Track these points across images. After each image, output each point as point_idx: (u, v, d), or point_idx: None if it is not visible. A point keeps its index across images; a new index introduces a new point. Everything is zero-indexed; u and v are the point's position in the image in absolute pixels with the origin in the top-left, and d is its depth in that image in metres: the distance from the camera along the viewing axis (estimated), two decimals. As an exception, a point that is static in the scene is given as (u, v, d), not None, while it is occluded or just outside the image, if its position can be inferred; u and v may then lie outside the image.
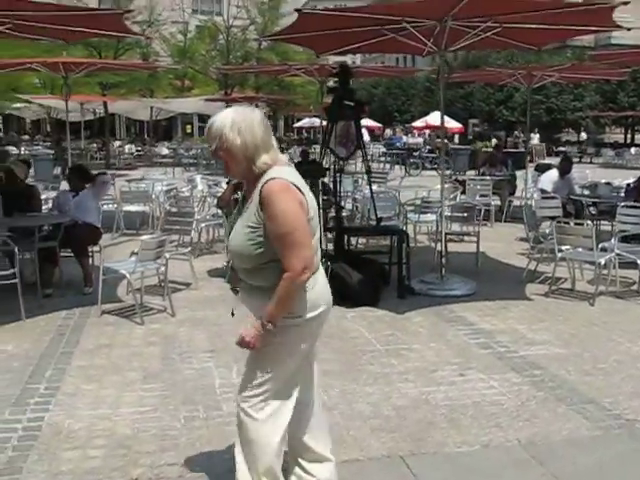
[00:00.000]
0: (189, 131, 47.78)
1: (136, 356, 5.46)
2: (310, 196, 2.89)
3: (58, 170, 20.96)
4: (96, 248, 7.86)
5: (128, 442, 3.97)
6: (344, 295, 6.87)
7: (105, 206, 11.56)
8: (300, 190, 2.82)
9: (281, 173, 2.82)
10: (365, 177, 9.46)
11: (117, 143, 34.11)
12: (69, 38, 7.74)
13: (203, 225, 9.61)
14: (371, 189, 8.46)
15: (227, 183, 8.34)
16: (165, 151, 30.37)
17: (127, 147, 30.68)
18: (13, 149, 25.22)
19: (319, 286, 2.93)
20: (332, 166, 7.80)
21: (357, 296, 6.86)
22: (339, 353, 5.53)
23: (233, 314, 3.19)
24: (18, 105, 27.55)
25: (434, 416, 4.34)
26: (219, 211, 9.00)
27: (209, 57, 31.56)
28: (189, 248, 8.46)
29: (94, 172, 8.39)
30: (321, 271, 3.00)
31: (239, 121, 2.80)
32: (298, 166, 7.72)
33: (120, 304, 6.93)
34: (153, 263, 6.76)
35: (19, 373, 5.06)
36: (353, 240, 9.06)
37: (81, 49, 23.63)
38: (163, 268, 6.85)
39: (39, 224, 7.45)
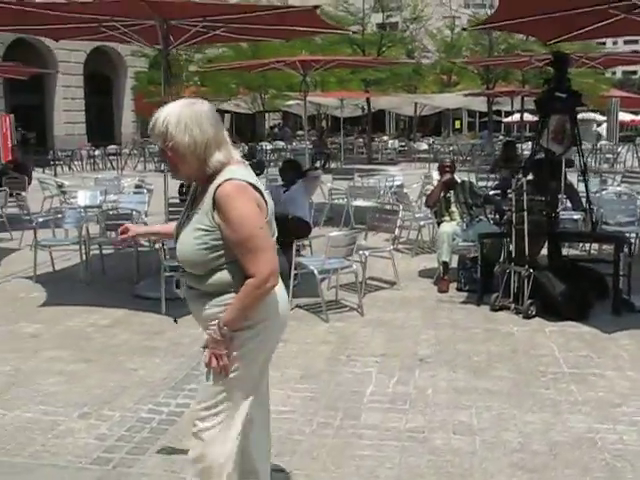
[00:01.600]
0: (458, 126, 47.40)
1: (304, 354, 5.43)
2: (268, 196, 2.66)
3: (318, 164, 22.06)
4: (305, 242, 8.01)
5: (249, 441, 3.92)
6: (547, 306, 6.24)
7: (336, 200, 11.87)
8: (258, 190, 2.59)
9: (236, 173, 2.57)
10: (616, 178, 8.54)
11: (384, 138, 34.89)
12: (289, 36, 8.00)
13: (422, 223, 9.35)
14: (587, 189, 7.58)
15: (439, 180, 8.04)
16: (424, 146, 30.40)
17: (390, 142, 31.27)
18: (280, 144, 26.99)
19: (275, 293, 2.69)
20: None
21: (559, 308, 6.17)
22: (516, 372, 4.99)
23: (176, 321, 3.06)
24: (291, 102, 29.37)
25: (592, 461, 3.68)
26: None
27: (473, 51, 30.91)
28: (394, 246, 8.28)
29: (306, 167, 8.53)
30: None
31: (185, 116, 2.52)
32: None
33: (315, 299, 6.96)
34: (345, 260, 6.69)
35: (191, 359, 5.28)
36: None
37: (346, 46, 24.52)
38: (355, 266, 6.75)
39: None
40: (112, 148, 25.90)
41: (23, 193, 12.56)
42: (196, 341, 5.63)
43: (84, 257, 8.06)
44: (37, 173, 22.63)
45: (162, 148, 2.59)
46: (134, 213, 8.32)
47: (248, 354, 2.66)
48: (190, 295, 2.74)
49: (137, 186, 11.14)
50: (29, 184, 13.14)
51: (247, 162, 2.75)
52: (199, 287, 2.67)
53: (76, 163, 24.19)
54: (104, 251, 8.56)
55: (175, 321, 2.90)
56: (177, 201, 9.04)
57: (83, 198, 10.60)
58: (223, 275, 2.60)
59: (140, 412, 4.35)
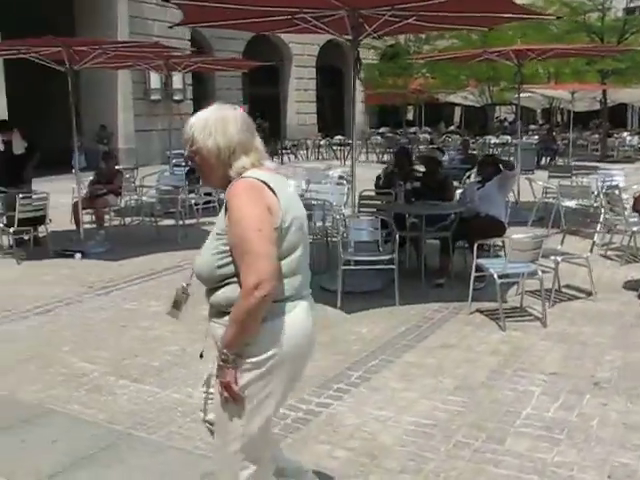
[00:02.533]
0: None
1: (468, 363, 5.08)
2: (293, 203, 2.43)
3: (545, 161, 21.00)
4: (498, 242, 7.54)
5: (378, 452, 3.71)
6: None
7: (549, 199, 11.11)
8: (274, 192, 2.34)
9: (253, 173, 2.39)
10: None
11: (624, 134, 32.19)
12: (483, 24, 7.56)
13: (635, 229, 8.40)
14: None
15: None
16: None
17: (628, 139, 28.75)
18: (506, 138, 25.94)
19: (293, 317, 2.40)
20: None
21: None
22: None
23: (202, 356, 2.65)
24: (523, 95, 28.08)
25: None
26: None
27: None
28: (594, 252, 7.51)
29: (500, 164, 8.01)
30: (301, 304, 2.47)
31: (212, 122, 2.42)
32: None
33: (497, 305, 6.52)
34: (532, 265, 6.17)
35: (348, 357, 5.17)
36: None
37: (583, 35, 22.83)
38: (540, 272, 6.19)
39: (442, 213, 7.53)
40: (338, 139, 26.59)
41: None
42: (360, 340, 5.54)
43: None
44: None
45: (189, 153, 2.49)
46: (326, 204, 8.37)
47: (255, 397, 2.39)
48: (207, 311, 2.52)
49: (340, 177, 11.24)
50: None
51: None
52: (211, 303, 2.47)
53: (302, 152, 25.20)
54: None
55: (201, 356, 2.61)
56: (372, 193, 8.99)
57: (290, 187, 10.93)
58: (229, 291, 2.37)
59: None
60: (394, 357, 5.19)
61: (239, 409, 2.39)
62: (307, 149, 25.35)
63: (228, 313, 2.34)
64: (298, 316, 2.45)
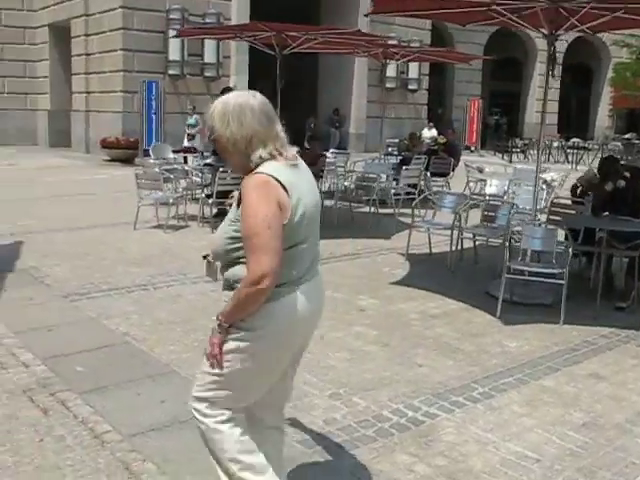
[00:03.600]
0: None
1: (612, 400, 4.50)
2: (305, 198, 2.51)
3: None
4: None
5: (460, 476, 3.44)
6: None
7: None
8: (285, 188, 2.44)
9: (268, 168, 2.47)
10: None
11: None
12: None
13: None
14: None
15: None
16: None
17: None
18: None
19: (286, 303, 2.53)
20: None
21: None
22: None
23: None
24: None
25: None
26: None
27: None
28: None
29: None
30: (306, 287, 2.59)
31: (230, 110, 2.50)
32: None
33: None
34: None
35: (483, 371, 4.86)
36: None
37: None
38: None
39: (632, 230, 6.78)
40: (573, 141, 25.04)
41: (451, 173, 13.09)
42: (503, 354, 5.19)
43: (454, 244, 8.03)
44: (490, 158, 23.31)
45: (211, 138, 2.59)
46: (507, 205, 7.95)
47: (237, 358, 2.56)
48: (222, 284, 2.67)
49: (545, 181, 10.57)
50: (456, 166, 13.52)
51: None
52: (225, 277, 2.62)
53: (532, 152, 24.09)
54: (479, 241, 8.40)
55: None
56: (565, 201, 8.36)
57: (491, 186, 10.55)
58: (237, 269, 2.53)
59: (385, 409, 4.17)
60: (530, 378, 4.78)
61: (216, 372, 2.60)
62: (537, 149, 24.13)
63: (234, 288, 2.52)
64: (291, 302, 2.56)
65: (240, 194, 2.49)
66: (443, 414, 4.14)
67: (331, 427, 3.91)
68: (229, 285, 2.58)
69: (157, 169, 10.64)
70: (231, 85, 19.89)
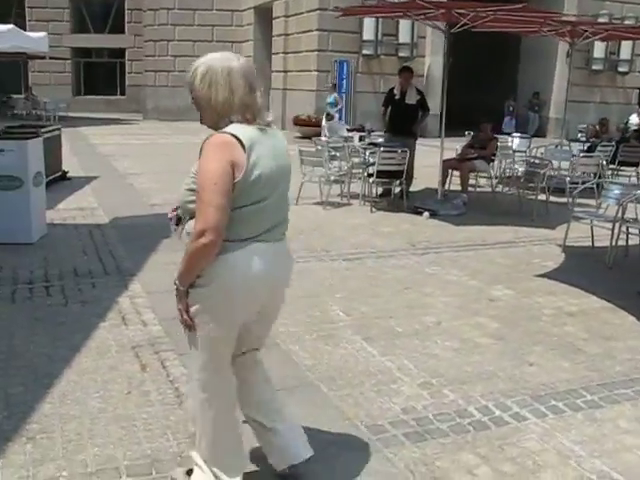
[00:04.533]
0: None
1: None
2: (266, 160, 2.55)
3: None
4: None
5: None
6: None
7: None
8: (244, 147, 2.48)
9: (231, 128, 2.51)
10: None
11: None
12: None
13: None
14: None
15: None
16: None
17: None
18: None
19: (240, 255, 2.56)
20: None
21: None
22: None
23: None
24: None
25: None
26: None
27: None
28: None
29: None
30: (261, 247, 2.60)
31: (212, 71, 2.52)
32: None
33: None
34: None
35: (607, 376, 4.43)
36: None
37: None
38: None
39: None
40: None
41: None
42: (630, 362, 4.70)
43: (618, 238, 7.38)
44: None
45: (191, 97, 2.60)
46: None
47: (201, 314, 2.62)
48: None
49: None
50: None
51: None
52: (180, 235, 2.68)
53: None
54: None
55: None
56: None
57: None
58: (191, 223, 2.57)
59: (472, 404, 3.95)
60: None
61: (193, 336, 2.68)
62: None
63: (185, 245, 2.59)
64: (239, 259, 2.58)
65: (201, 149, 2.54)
66: (533, 418, 3.84)
67: (407, 416, 3.78)
68: (184, 243, 2.64)
69: (319, 147, 10.81)
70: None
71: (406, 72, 10.54)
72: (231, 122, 2.55)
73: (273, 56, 23.80)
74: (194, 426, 2.91)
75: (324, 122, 17.82)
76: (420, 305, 5.70)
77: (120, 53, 32.62)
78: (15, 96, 29.28)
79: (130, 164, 13.93)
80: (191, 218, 2.59)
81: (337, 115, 18.14)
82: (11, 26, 9.87)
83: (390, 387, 4.12)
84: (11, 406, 3.71)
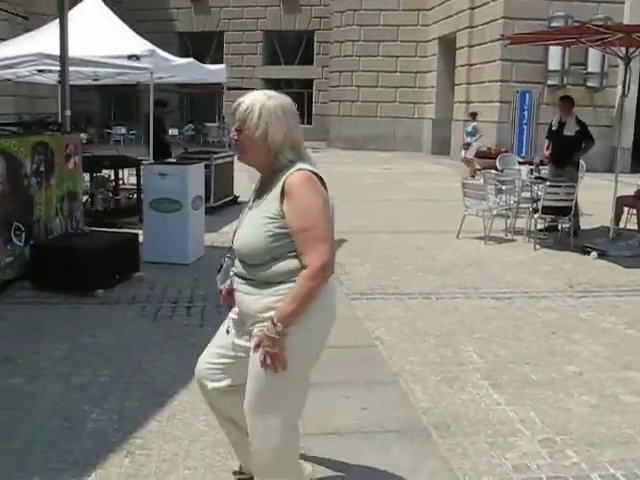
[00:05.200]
0: None
1: None
2: (331, 195, 2.64)
3: None
4: None
5: None
6: None
7: None
8: (324, 185, 2.60)
9: (305, 165, 2.57)
10: None
11: None
12: None
13: None
14: None
15: None
16: None
17: None
18: None
19: (328, 292, 2.64)
20: None
21: None
22: None
23: (228, 332, 2.83)
24: None
25: None
26: None
27: None
28: None
29: None
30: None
31: (266, 109, 2.52)
32: None
33: None
34: None
35: None
36: None
37: None
38: None
39: None
40: None
41: None
42: None
43: None
44: None
45: (238, 130, 2.57)
46: None
47: (298, 350, 2.59)
48: (241, 286, 2.66)
49: None
50: None
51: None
52: (255, 277, 2.60)
53: None
54: None
55: (227, 332, 2.88)
56: None
57: None
58: (282, 264, 2.55)
59: (596, 471, 3.51)
60: None
61: (281, 376, 2.56)
62: None
63: (273, 284, 2.55)
64: (329, 291, 2.68)
65: (283, 189, 2.52)
66: None
67: (517, 475, 3.45)
68: (274, 282, 2.57)
69: (481, 180, 10.44)
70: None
71: (564, 102, 9.97)
72: (289, 160, 2.57)
73: (456, 87, 23.55)
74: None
75: (462, 153, 17.39)
76: (564, 352, 5.25)
77: (308, 83, 33.87)
78: (209, 124, 31.39)
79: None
80: (264, 264, 2.57)
81: (475, 145, 17.64)
82: (191, 59, 10.56)
83: (507, 440, 3.80)
84: (123, 419, 3.86)
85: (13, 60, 9.37)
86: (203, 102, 33.71)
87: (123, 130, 29.00)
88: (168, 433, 3.72)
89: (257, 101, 2.56)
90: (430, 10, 26.15)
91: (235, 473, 3.19)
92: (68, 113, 7.39)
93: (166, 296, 6.38)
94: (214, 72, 11.45)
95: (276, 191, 2.54)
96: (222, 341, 2.86)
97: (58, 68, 9.15)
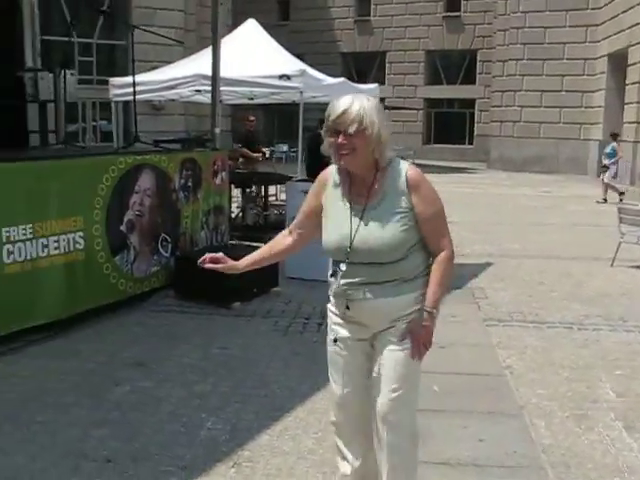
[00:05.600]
0: None
1: None
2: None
3: None
4: None
5: None
6: None
7: None
8: None
9: (405, 161, 2.74)
10: None
11: None
12: None
13: None
14: None
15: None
16: None
17: None
18: None
19: None
20: None
21: None
22: None
23: (336, 340, 2.84)
24: None
25: None
26: None
27: None
28: None
29: None
30: None
31: (376, 109, 2.61)
32: None
33: None
34: None
35: None
36: None
37: None
38: None
39: None
40: None
41: None
42: None
43: None
44: None
45: (347, 132, 2.56)
46: None
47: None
48: (376, 290, 2.65)
49: None
50: None
51: None
52: (394, 276, 2.65)
53: None
54: None
55: (335, 341, 2.87)
56: None
57: None
58: (418, 257, 2.70)
59: None
60: None
61: (418, 363, 2.76)
62: None
63: (409, 281, 2.67)
64: None
65: (408, 184, 2.64)
66: None
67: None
68: (410, 277, 2.68)
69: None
70: None
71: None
72: (389, 158, 2.68)
73: (625, 106, 22.21)
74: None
75: (602, 177, 16.26)
76: None
77: (470, 103, 33.36)
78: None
79: (450, 211, 14.07)
80: (394, 262, 2.65)
81: (613, 168, 16.44)
82: (342, 79, 10.71)
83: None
84: (236, 430, 3.94)
85: (176, 81, 9.96)
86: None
87: (285, 148, 29.94)
88: (277, 447, 3.75)
89: (363, 103, 2.60)
90: (600, 25, 24.92)
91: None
92: (217, 131, 7.73)
93: (300, 312, 6.47)
94: (366, 92, 11.53)
95: (398, 186, 2.65)
96: (342, 361, 2.89)
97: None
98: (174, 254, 6.98)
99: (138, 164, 6.46)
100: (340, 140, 2.58)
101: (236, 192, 11.34)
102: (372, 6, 34.24)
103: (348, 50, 35.01)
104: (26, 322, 5.40)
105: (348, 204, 2.70)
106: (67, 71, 8.79)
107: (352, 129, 2.55)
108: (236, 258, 2.99)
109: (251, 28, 10.99)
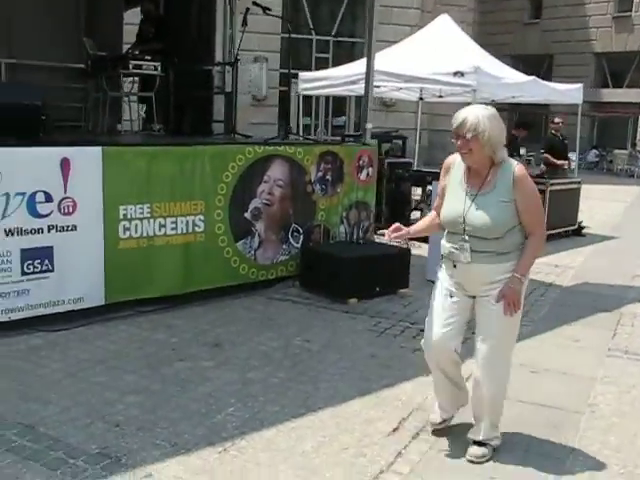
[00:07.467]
0: None
1: None
2: None
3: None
4: None
5: None
6: None
7: None
8: None
9: (515, 161, 3.50)
10: None
11: None
12: None
13: None
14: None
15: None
16: None
17: None
18: None
19: None
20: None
21: None
22: None
23: (451, 296, 3.60)
24: None
25: None
26: None
27: None
28: None
29: None
30: None
31: (489, 118, 3.34)
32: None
33: None
34: None
35: None
36: None
37: None
38: None
39: None
40: None
41: None
42: None
43: None
44: None
45: (465, 136, 3.34)
46: None
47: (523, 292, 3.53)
48: (479, 257, 3.42)
49: None
50: None
51: None
52: (493, 249, 3.42)
53: None
54: None
55: (451, 296, 3.65)
56: None
57: None
58: (514, 237, 3.44)
59: None
60: None
61: (515, 318, 3.51)
62: None
63: (506, 254, 3.43)
64: None
65: (515, 179, 3.40)
66: None
67: None
68: (507, 251, 3.43)
69: None
70: None
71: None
72: (501, 156, 3.43)
73: None
74: (490, 409, 3.66)
75: None
76: None
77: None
78: (617, 151, 29.37)
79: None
80: (497, 238, 3.42)
81: None
82: (531, 78, 10.06)
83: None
84: (251, 420, 3.95)
85: (357, 77, 10.00)
86: (614, 126, 31.71)
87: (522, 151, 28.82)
88: (274, 443, 3.70)
89: (480, 112, 3.36)
90: None
91: (437, 424, 3.91)
92: (369, 126, 7.69)
93: (412, 316, 6.27)
94: (562, 92, 10.72)
95: (505, 182, 3.39)
96: (447, 307, 3.61)
97: (395, 84, 9.64)
98: (305, 245, 7.12)
99: (268, 155, 6.68)
100: (460, 143, 3.37)
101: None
102: (635, 0, 31.37)
103: (602, 50, 32.54)
104: (138, 293, 5.88)
105: (465, 188, 3.49)
106: (254, 65, 9.34)
107: (469, 135, 3.33)
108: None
109: (441, 24, 10.73)
